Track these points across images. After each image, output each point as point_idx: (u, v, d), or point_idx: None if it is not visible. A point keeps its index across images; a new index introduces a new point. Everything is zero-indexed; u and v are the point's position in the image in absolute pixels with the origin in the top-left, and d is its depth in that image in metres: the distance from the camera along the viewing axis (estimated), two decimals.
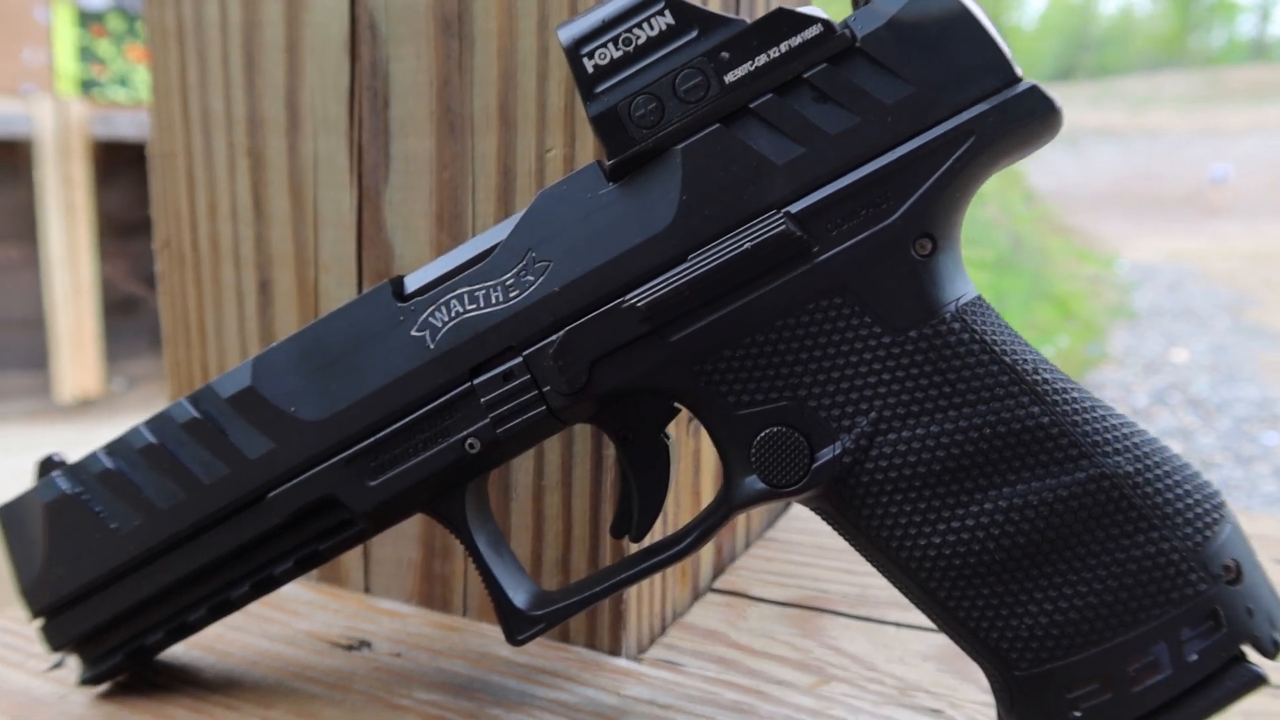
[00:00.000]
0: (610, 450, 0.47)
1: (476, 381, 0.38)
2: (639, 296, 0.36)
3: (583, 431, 0.47)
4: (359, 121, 0.50)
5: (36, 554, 0.42)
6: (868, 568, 0.63)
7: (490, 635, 0.50)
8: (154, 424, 0.41)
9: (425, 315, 0.38)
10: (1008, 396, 0.35)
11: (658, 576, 0.50)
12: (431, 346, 0.38)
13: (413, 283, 0.39)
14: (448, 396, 0.38)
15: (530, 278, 0.37)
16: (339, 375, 0.39)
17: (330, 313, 0.40)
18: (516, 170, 0.46)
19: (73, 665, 0.46)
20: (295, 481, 0.40)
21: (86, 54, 5.26)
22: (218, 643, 0.48)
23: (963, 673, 0.48)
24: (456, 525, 0.41)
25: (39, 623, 0.43)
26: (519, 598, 0.40)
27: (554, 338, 0.37)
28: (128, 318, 5.47)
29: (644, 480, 0.40)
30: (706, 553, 0.56)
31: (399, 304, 0.39)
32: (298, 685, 0.44)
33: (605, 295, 0.37)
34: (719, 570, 0.60)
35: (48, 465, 0.43)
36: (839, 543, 0.68)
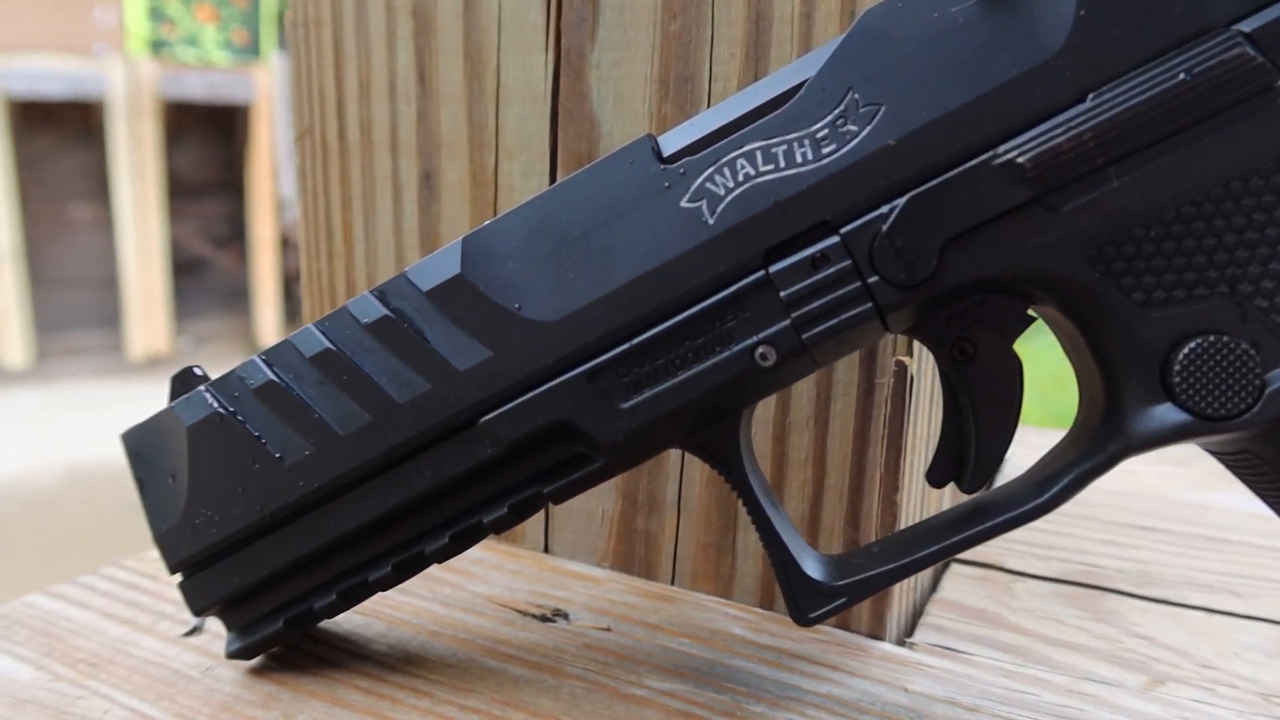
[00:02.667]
0: (886, 379, 0.36)
1: (774, 269, 0.28)
2: (1018, 150, 0.26)
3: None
4: None
5: (177, 492, 0.33)
6: (1135, 539, 0.53)
7: (713, 609, 0.40)
8: (330, 324, 0.32)
9: (701, 180, 0.28)
10: None
11: None
12: (710, 222, 0.28)
13: (673, 143, 0.29)
14: (733, 289, 0.28)
15: (852, 127, 0.27)
16: (581, 261, 0.29)
17: (568, 179, 0.30)
18: (773, 17, 0.36)
19: (214, 628, 0.37)
20: (519, 402, 0.30)
21: (156, 14, 5.25)
22: (383, 607, 0.39)
23: None
24: (727, 464, 0.31)
25: (178, 578, 0.34)
26: (806, 563, 0.31)
27: (889, 208, 0.27)
28: (196, 278, 5.50)
29: (987, 410, 0.29)
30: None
31: (662, 166, 0.29)
32: (494, 664, 0.35)
33: (965, 149, 0.27)
34: None
35: (187, 379, 0.34)
36: (1084, 509, 0.58)
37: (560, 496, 0.31)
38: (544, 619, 0.39)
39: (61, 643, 0.36)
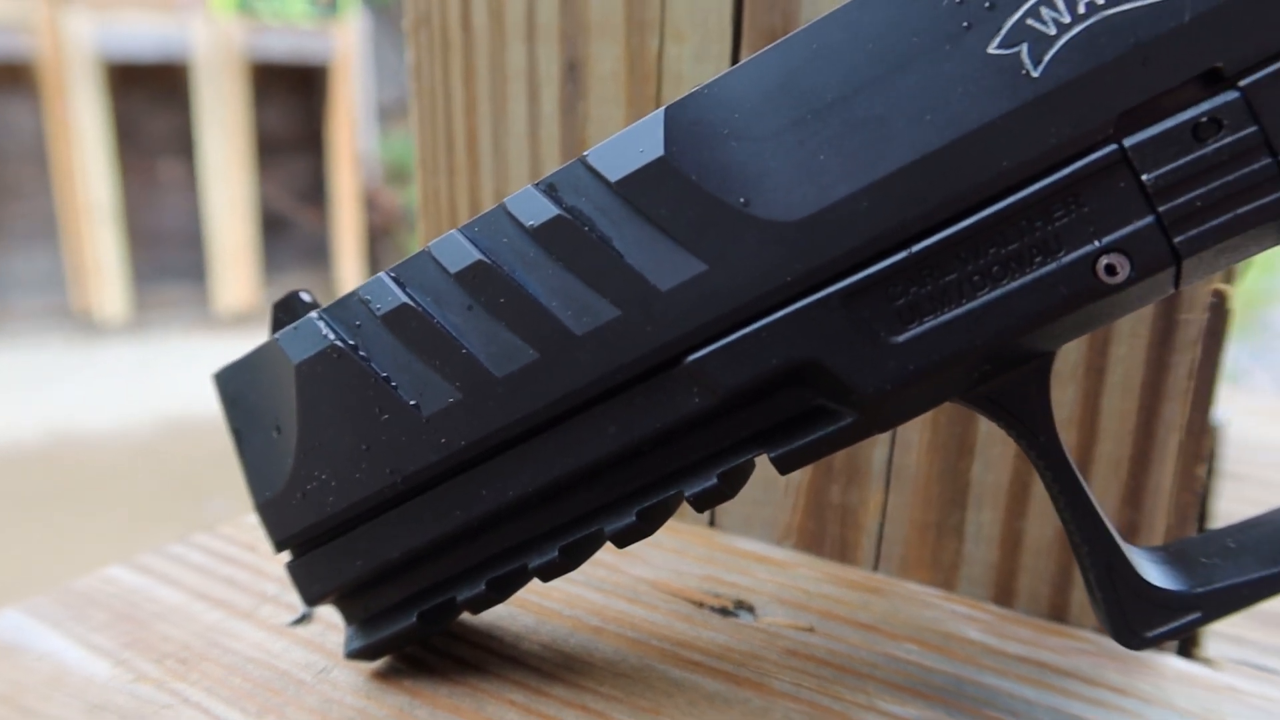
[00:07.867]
0: (1197, 313, 0.27)
1: (1131, 142, 0.19)
2: None
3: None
4: None
5: (283, 449, 0.26)
6: None
7: (935, 605, 0.32)
8: (482, 229, 0.24)
9: (1018, 16, 0.20)
10: None
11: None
12: (1034, 74, 0.20)
13: None
14: (1065, 172, 0.20)
15: None
16: (838, 136, 0.21)
17: (814, 23, 0.21)
18: None
19: (327, 615, 0.30)
20: (744, 333, 0.22)
21: None
22: (528, 594, 0.32)
23: None
24: (1031, 424, 0.22)
25: (286, 558, 0.27)
26: (1140, 563, 0.22)
27: None
28: (279, 235, 5.56)
29: None
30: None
31: None
32: (678, 673, 0.27)
33: None
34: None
35: (293, 305, 0.27)
36: None
37: (788, 464, 0.23)
38: (725, 612, 0.31)
39: (146, 630, 0.29)
